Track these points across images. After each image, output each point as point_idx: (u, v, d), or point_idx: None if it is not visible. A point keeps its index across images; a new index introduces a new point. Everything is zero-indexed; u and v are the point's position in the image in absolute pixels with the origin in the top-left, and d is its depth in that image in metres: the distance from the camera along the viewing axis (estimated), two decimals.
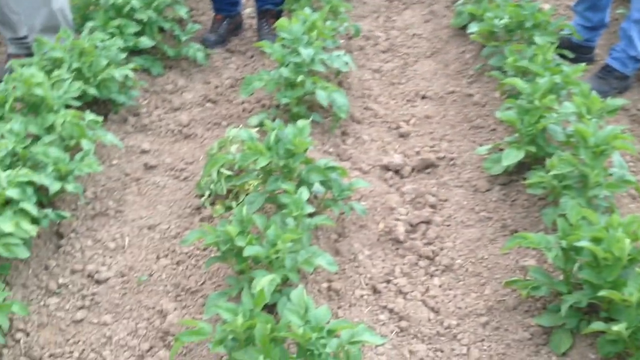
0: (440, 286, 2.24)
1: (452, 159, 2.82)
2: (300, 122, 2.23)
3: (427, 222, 2.49)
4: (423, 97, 3.29)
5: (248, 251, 1.83)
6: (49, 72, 2.73)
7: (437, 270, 2.30)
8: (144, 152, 2.86)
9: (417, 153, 2.88)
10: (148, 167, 2.77)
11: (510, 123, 2.49)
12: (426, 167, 2.80)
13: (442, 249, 2.38)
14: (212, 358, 1.90)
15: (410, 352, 1.99)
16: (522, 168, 2.57)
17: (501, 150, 2.61)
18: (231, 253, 1.93)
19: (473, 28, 3.22)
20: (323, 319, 1.60)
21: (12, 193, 2.05)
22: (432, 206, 2.57)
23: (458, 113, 3.12)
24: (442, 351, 2.00)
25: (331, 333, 1.59)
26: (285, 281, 1.94)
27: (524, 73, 2.76)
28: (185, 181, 2.72)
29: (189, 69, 3.49)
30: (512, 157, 2.42)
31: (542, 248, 1.93)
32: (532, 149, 2.41)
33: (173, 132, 3.02)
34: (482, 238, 2.40)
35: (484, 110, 3.05)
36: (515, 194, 2.55)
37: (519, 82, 2.48)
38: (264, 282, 1.67)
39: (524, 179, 2.49)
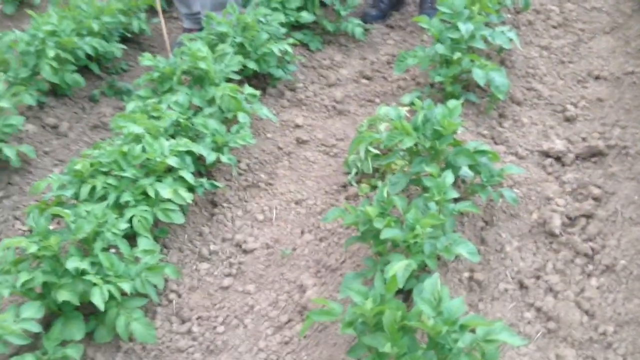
0: (598, 288, 2.04)
1: (624, 148, 2.54)
2: (451, 102, 2.12)
3: (589, 216, 2.27)
4: (596, 78, 2.99)
5: (385, 234, 1.79)
6: (214, 46, 2.87)
7: (595, 269, 2.10)
8: (297, 126, 2.92)
9: (584, 139, 2.63)
10: (300, 142, 2.83)
11: None
12: (592, 155, 2.55)
13: (603, 247, 2.16)
14: (346, 337, 1.91)
15: (557, 356, 1.84)
16: None
17: None
18: (370, 234, 1.91)
19: None
20: (457, 311, 1.52)
21: (173, 161, 2.19)
22: (596, 199, 2.34)
23: (636, 97, 2.79)
24: (593, 359, 1.83)
25: (464, 328, 1.51)
26: (423, 267, 1.88)
27: None
28: (334, 157, 2.73)
29: (347, 44, 3.48)
30: None
31: None
32: None
33: (327, 108, 3.04)
34: None
35: None
36: None
37: None
38: (398, 267, 1.62)
39: None
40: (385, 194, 1.91)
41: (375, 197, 1.96)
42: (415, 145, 2.09)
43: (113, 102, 3.17)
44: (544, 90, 2.93)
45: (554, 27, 3.40)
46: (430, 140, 2.04)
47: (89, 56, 3.13)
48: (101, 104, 3.15)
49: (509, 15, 3.37)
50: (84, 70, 3.17)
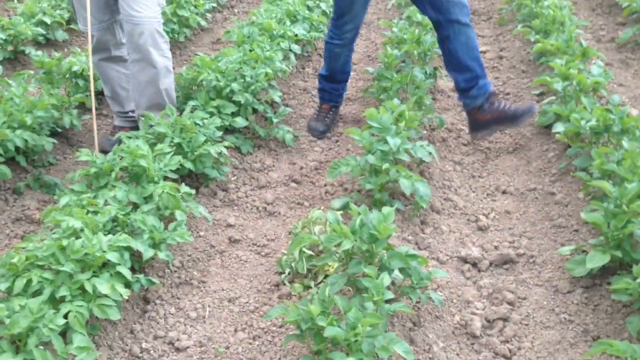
0: None
1: (532, 257, 2.80)
2: (385, 209, 2.29)
3: (505, 319, 2.45)
4: (503, 192, 3.31)
5: (328, 332, 1.87)
6: (152, 145, 2.95)
7: None
8: (229, 226, 2.99)
9: (496, 248, 2.88)
10: (232, 241, 2.89)
11: (596, 225, 2.47)
12: (504, 262, 2.79)
13: (519, 348, 2.33)
14: None
15: None
16: (606, 272, 2.52)
17: (585, 252, 2.57)
18: (310, 332, 1.98)
19: (558, 128, 3.25)
20: None
21: (112, 257, 2.20)
22: (510, 303, 2.54)
23: (539, 211, 3.11)
24: None
25: None
26: None
27: (610, 176, 2.75)
28: (266, 257, 2.81)
29: (276, 149, 3.66)
30: (596, 260, 2.39)
31: (628, 357, 1.87)
32: (618, 253, 2.37)
33: (258, 209, 3.15)
34: (562, 341, 2.34)
35: (566, 210, 3.03)
36: (599, 298, 2.49)
37: (607, 186, 2.48)
38: None
39: (608, 283, 2.43)
40: (327, 293, 2.00)
41: (315, 297, 2.05)
42: (352, 247, 2.22)
43: (38, 196, 3.13)
44: (459, 201, 3.20)
45: (465, 144, 3.75)
46: (367, 244, 2.18)
47: (17, 148, 3.11)
48: (25, 196, 3.10)
49: (425, 132, 3.69)
50: (9, 161, 3.12)
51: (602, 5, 5.78)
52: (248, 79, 3.58)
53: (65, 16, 4.86)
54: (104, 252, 2.20)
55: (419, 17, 4.81)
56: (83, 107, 3.82)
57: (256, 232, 2.99)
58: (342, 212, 2.78)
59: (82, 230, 2.26)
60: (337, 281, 2.17)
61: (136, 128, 3.49)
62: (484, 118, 3.39)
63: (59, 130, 3.53)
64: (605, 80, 3.47)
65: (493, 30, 5.54)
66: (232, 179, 3.31)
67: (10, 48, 4.43)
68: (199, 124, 3.14)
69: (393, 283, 2.38)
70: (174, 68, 3.60)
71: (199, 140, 3.02)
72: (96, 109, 3.82)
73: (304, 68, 4.79)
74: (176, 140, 2.99)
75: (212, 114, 3.33)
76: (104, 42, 3.30)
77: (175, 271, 2.63)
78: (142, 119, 3.16)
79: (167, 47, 3.21)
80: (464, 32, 3.26)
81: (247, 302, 2.54)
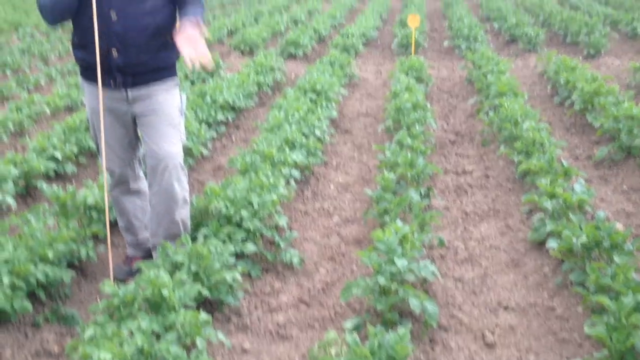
0: None
1: None
2: (401, 330, 2.43)
3: None
4: (505, 308, 3.44)
5: None
6: (170, 274, 3.08)
7: None
8: (244, 351, 3.07)
9: None
10: None
11: (600, 339, 2.61)
12: None
13: None
14: None
15: None
16: None
17: None
18: None
19: (552, 244, 3.46)
20: None
21: None
22: None
23: (542, 325, 3.24)
24: None
25: None
26: None
27: (605, 289, 2.93)
28: None
29: (284, 272, 3.80)
30: None
31: None
32: None
33: (271, 333, 3.24)
34: None
35: (568, 324, 3.17)
36: None
37: (606, 300, 2.65)
38: None
39: None
40: None
41: None
42: None
43: (55, 328, 3.20)
44: (464, 318, 3.33)
45: (463, 261, 3.93)
46: None
47: (37, 282, 3.22)
48: (43, 329, 3.17)
49: (425, 250, 3.87)
50: (28, 295, 3.22)
51: (575, 125, 6.23)
52: (255, 206, 3.79)
53: (75, 150, 5.13)
54: None
55: (408, 140, 5.15)
56: (96, 238, 3.97)
57: (270, 356, 3.06)
58: (354, 332, 2.88)
59: None
60: None
61: (148, 256, 3.63)
62: None
63: (75, 262, 3.66)
64: (589, 197, 3.74)
65: (477, 150, 5.91)
66: (244, 303, 3.42)
67: (22, 183, 4.63)
68: (213, 252, 3.29)
69: None
70: None
71: (215, 267, 3.17)
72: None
73: (303, 192, 5.03)
74: (193, 268, 3.13)
75: (224, 241, 3.50)
76: (124, 177, 3.51)
77: None
78: (159, 248, 3.31)
79: (187, 179, 3.42)
80: None
81: None
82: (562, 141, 5.22)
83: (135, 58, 3.18)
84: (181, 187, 3.35)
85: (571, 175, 4.24)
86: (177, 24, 3.33)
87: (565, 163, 4.32)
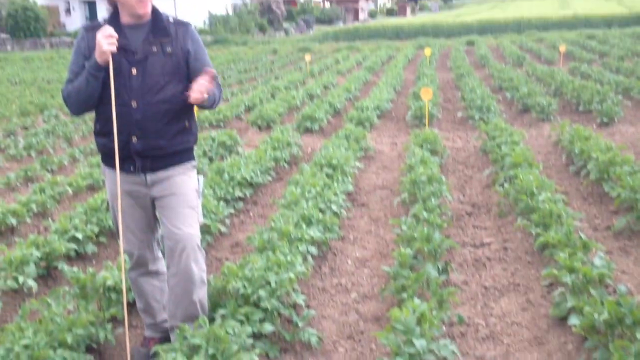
0: None
1: None
2: None
3: None
4: None
5: None
6: (188, 358, 3.07)
7: None
8: None
9: None
10: None
11: None
12: None
13: None
14: None
15: None
16: None
17: None
18: None
19: (574, 320, 3.40)
20: None
21: None
22: None
23: None
24: None
25: None
26: None
27: None
28: None
29: (302, 352, 3.76)
30: None
31: None
32: None
33: None
34: None
35: None
36: None
37: None
38: None
39: None
40: None
41: None
42: None
43: None
44: None
45: (484, 339, 3.86)
46: None
47: None
48: None
49: (444, 328, 3.82)
50: None
51: (592, 195, 6.21)
52: (273, 284, 3.80)
53: (96, 230, 5.21)
54: None
55: (424, 214, 5.17)
56: (115, 320, 3.98)
57: None
58: None
59: None
60: None
61: (167, 338, 3.62)
62: None
63: (94, 345, 3.66)
64: (609, 271, 3.70)
65: (494, 222, 5.90)
66: None
67: (43, 264, 4.70)
68: (230, 333, 3.28)
69: None
70: None
71: (232, 350, 3.15)
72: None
73: (320, 268, 5.03)
74: (211, 351, 3.12)
75: (241, 322, 3.49)
76: (143, 259, 3.55)
77: None
78: (177, 330, 3.31)
79: (204, 260, 3.45)
80: None
81: None
82: (580, 213, 5.20)
83: (154, 143, 3.28)
84: (199, 269, 3.38)
85: (590, 248, 4.21)
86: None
87: (583, 235, 4.29)
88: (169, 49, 3.26)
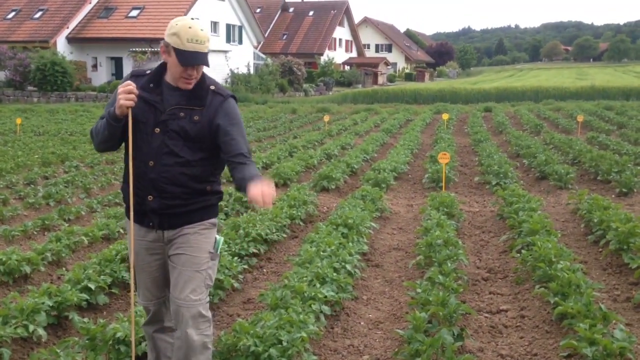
0: None
1: None
2: None
3: None
4: None
5: None
6: None
7: None
8: None
9: None
10: None
11: None
12: None
13: None
14: None
15: None
16: None
17: None
18: None
19: None
20: None
21: None
22: None
23: None
24: None
25: None
26: None
27: None
28: None
29: None
30: None
31: None
32: None
33: None
34: None
35: None
36: None
37: None
38: None
39: None
40: None
41: None
42: None
43: None
44: None
45: None
46: None
47: None
48: None
49: None
50: None
51: (612, 265, 6.10)
52: (285, 343, 3.73)
53: (108, 281, 5.19)
54: None
55: (440, 278, 5.10)
56: None
57: None
58: None
59: None
60: None
61: None
62: None
63: None
64: (630, 345, 3.59)
65: (511, 288, 5.79)
66: None
67: (54, 313, 4.67)
68: None
69: None
70: None
71: None
72: None
73: (332, 328, 4.94)
74: None
75: None
76: (159, 315, 3.51)
77: None
78: None
79: (208, 326, 3.33)
80: None
81: None
82: (600, 283, 5.10)
83: (170, 203, 3.27)
84: (200, 334, 3.27)
85: (610, 320, 4.10)
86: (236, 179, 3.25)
87: (603, 307, 4.20)
88: (196, 117, 3.22)
